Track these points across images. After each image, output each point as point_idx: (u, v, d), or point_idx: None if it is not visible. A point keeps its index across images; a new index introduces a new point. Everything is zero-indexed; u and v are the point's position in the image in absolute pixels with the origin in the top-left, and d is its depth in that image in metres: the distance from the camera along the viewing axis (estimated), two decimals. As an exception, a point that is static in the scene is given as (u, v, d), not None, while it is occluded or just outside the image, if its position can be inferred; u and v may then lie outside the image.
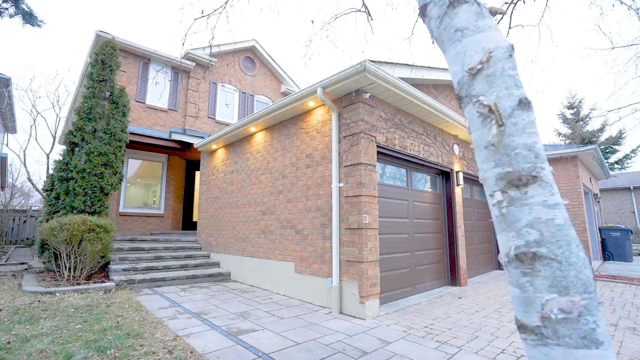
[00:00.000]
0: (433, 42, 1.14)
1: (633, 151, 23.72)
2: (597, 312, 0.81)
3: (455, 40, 1.03)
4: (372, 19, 3.51)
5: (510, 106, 0.92)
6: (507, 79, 0.94)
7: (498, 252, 8.68)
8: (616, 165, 24.48)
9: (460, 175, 6.79)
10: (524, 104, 0.91)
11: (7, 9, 4.79)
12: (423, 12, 1.14)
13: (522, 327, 0.85)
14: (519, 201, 0.90)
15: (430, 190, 6.50)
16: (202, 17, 2.50)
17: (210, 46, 2.76)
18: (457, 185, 6.74)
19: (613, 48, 5.24)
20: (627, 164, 24.32)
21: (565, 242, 0.84)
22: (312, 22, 3.23)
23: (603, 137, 24.10)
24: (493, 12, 1.05)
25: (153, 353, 2.96)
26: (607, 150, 24.16)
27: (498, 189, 0.92)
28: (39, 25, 5.33)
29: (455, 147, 6.94)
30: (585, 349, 0.77)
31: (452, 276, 6.41)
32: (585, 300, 0.81)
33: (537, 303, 0.83)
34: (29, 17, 5.06)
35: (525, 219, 0.88)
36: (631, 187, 20.67)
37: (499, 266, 8.69)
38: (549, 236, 0.85)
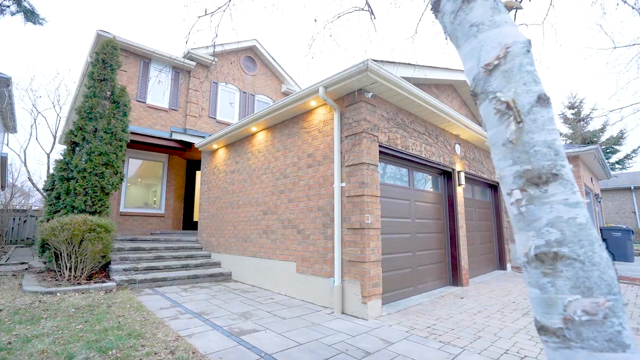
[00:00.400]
0: (446, 38, 1.12)
1: (634, 151, 23.73)
2: (622, 314, 0.79)
3: (470, 36, 1.01)
4: (375, 18, 3.49)
5: (528, 102, 0.90)
6: (525, 74, 0.92)
7: (499, 252, 8.67)
8: (617, 165, 24.48)
9: (462, 175, 6.78)
10: (543, 100, 0.89)
11: (8, 6, 4.76)
12: (436, 7, 1.11)
13: (542, 329, 0.83)
14: (538, 200, 0.87)
15: (432, 190, 6.49)
16: (206, 15, 2.48)
17: (214, 45, 2.74)
18: (459, 185, 6.73)
19: (615, 48, 5.22)
20: (628, 164, 24.34)
21: (588, 242, 0.82)
22: (315, 20, 3.21)
23: (604, 137, 24.10)
24: (509, 7, 1.02)
25: (155, 353, 2.94)
26: (608, 150, 24.16)
27: (516, 187, 0.89)
28: (40, 24, 5.30)
29: (457, 147, 6.93)
30: (611, 352, 0.75)
31: (454, 276, 6.39)
32: (610, 302, 0.78)
33: (559, 304, 0.81)
34: (31, 15, 5.03)
35: (546, 217, 0.86)
36: (632, 187, 20.64)
37: (500, 266, 8.68)
38: (571, 235, 0.83)
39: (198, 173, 11.47)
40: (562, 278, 0.82)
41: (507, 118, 0.90)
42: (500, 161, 0.94)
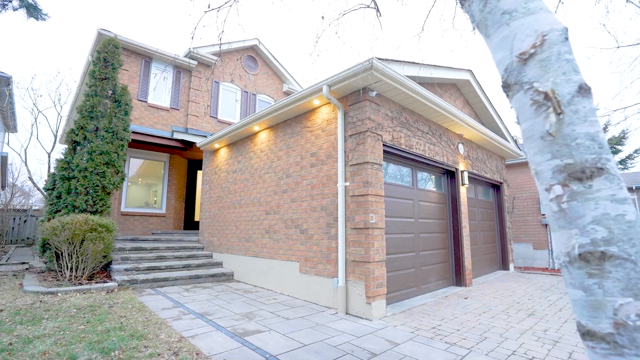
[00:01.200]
0: (474, 28, 1.08)
1: (636, 151, 23.63)
2: None
3: (502, 24, 0.96)
4: (380, 15, 3.45)
5: (569, 92, 0.86)
6: (564, 63, 0.88)
7: (502, 252, 8.60)
8: (619, 166, 24.45)
9: (465, 174, 6.74)
10: (584, 90, 0.85)
11: (10, 1, 4.70)
12: (463, -5, 1.07)
13: (588, 334, 0.78)
14: (582, 195, 0.83)
15: (435, 189, 6.45)
16: (212, 10, 2.45)
17: (220, 41, 2.70)
18: (462, 184, 6.69)
19: (618, 47, 5.19)
20: (630, 164, 24.25)
21: (639, 240, 0.77)
22: (322, 17, 3.17)
23: (606, 137, 24.06)
24: (543, -7, 0.98)
25: (158, 355, 2.90)
26: (609, 151, 24.10)
27: (557, 183, 0.84)
28: (43, 19, 5.25)
29: (460, 147, 6.89)
30: (670, 361, 0.70)
31: (457, 276, 6.35)
32: None
33: (608, 308, 0.76)
34: (34, 10, 4.97)
35: (591, 214, 0.81)
36: (633, 187, 20.55)
37: (503, 266, 8.63)
38: (620, 234, 0.78)
39: (199, 173, 11.42)
40: (611, 279, 0.77)
41: (546, 109, 0.86)
42: (536, 155, 0.89)
